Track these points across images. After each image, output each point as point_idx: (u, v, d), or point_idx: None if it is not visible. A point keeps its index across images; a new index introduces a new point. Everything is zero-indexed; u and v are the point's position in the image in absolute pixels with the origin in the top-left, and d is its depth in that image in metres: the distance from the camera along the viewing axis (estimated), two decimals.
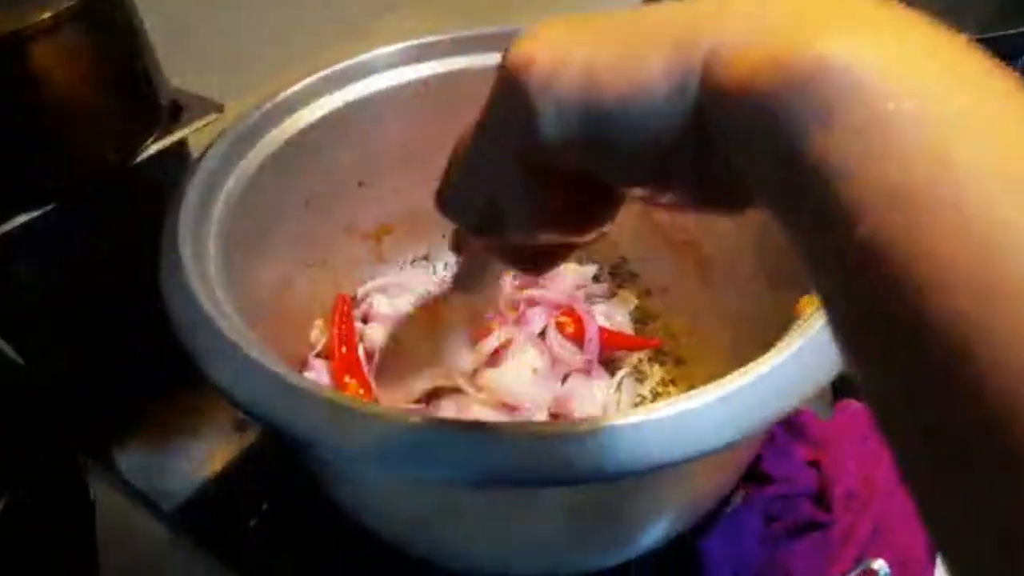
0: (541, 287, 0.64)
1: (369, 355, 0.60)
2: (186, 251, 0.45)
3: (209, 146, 0.52)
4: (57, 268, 0.56)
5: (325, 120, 0.58)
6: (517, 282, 0.65)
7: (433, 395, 0.56)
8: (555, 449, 0.35)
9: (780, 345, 0.40)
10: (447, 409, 0.56)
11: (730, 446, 0.37)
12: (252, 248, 0.52)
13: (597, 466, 0.35)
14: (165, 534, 0.53)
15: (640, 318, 0.65)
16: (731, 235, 0.59)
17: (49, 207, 0.51)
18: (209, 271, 0.45)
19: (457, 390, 0.57)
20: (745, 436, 0.37)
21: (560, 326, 0.61)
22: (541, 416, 0.56)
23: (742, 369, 0.38)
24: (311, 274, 0.61)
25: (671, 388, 0.61)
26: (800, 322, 0.43)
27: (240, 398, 0.39)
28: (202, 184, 0.49)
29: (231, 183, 0.51)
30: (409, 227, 0.66)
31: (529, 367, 0.57)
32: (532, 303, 0.63)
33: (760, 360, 0.39)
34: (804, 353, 0.39)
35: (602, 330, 0.61)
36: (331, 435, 0.37)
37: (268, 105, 0.55)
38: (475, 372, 0.58)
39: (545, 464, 0.35)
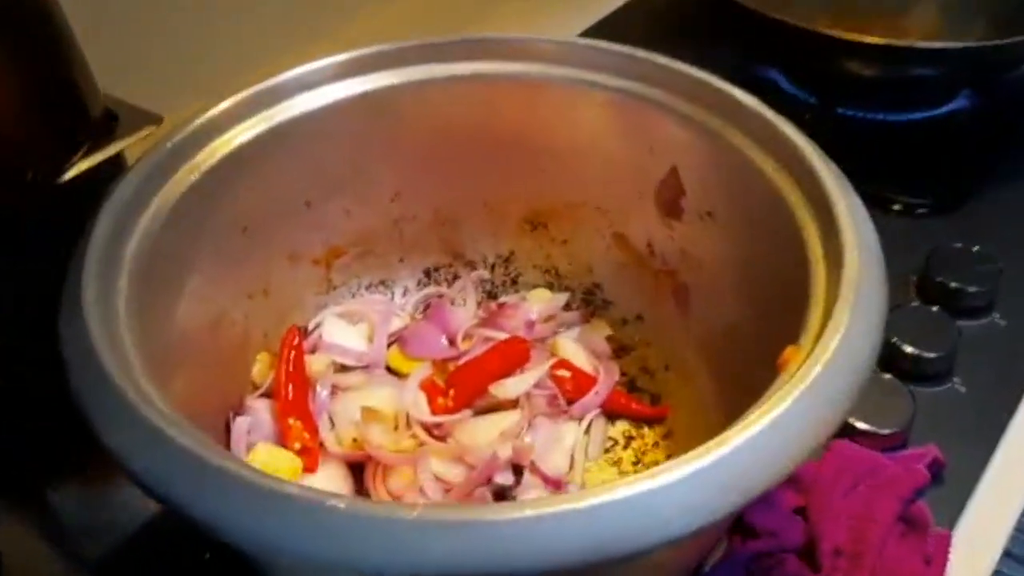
0: (501, 320, 0.59)
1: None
2: (90, 294, 0.40)
3: (127, 170, 0.47)
4: None
5: (265, 136, 0.52)
6: (479, 316, 0.60)
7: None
8: (486, 540, 0.30)
9: (756, 413, 0.34)
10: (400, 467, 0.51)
11: (696, 533, 0.32)
12: (176, 283, 0.47)
13: (537, 559, 0.30)
14: None
15: (614, 348, 0.60)
16: (711, 265, 0.54)
17: None
18: (118, 314, 0.40)
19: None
20: (713, 522, 0.32)
21: (559, 381, 0.56)
22: (501, 465, 0.51)
23: (715, 440, 0.33)
24: (251, 306, 0.55)
25: (644, 431, 0.56)
26: (784, 378, 0.37)
27: (134, 469, 0.34)
28: (115, 214, 0.44)
29: (151, 212, 0.46)
30: (362, 250, 0.61)
31: (501, 428, 0.52)
32: (487, 340, 0.58)
33: (733, 431, 0.34)
34: (786, 423, 0.34)
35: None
36: (235, 520, 0.32)
37: (198, 121, 0.50)
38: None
39: (474, 556, 0.30)
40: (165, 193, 0.47)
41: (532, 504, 0.31)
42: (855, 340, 0.38)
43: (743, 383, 0.51)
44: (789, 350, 0.40)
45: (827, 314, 0.39)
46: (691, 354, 0.57)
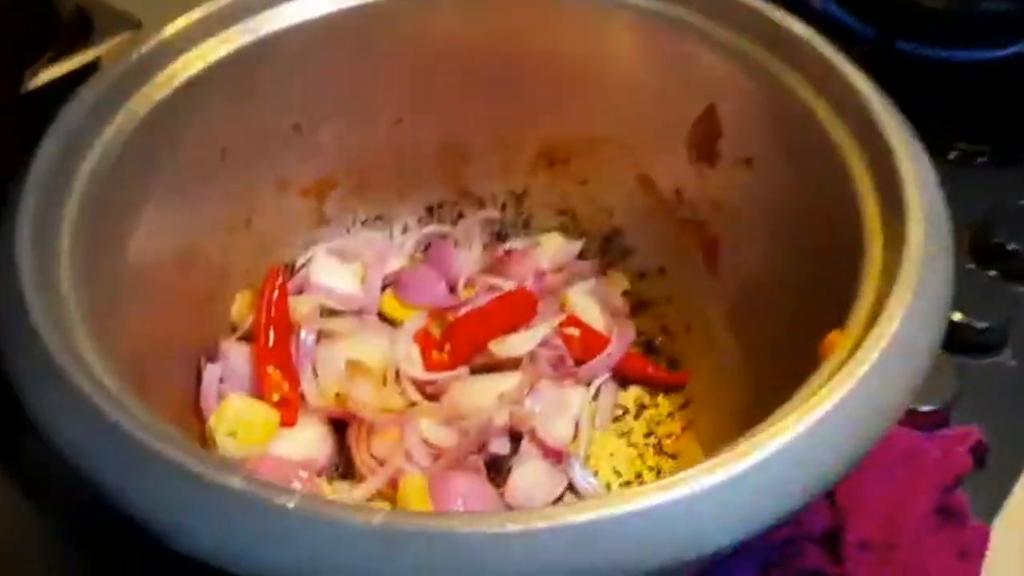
0: (508, 268, 0.53)
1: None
2: (26, 224, 0.35)
3: (85, 83, 0.41)
4: None
5: (248, 49, 0.46)
6: (483, 261, 0.55)
7: None
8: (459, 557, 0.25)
9: (799, 411, 0.29)
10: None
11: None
12: (139, 212, 0.42)
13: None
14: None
15: (631, 304, 0.55)
16: (746, 218, 0.48)
17: None
18: (60, 248, 0.35)
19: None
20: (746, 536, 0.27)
21: (568, 340, 0.50)
22: (498, 431, 0.46)
23: (743, 446, 0.28)
24: (231, 239, 0.50)
25: (660, 399, 0.51)
26: (826, 368, 0.32)
27: (56, 440, 0.29)
28: (68, 131, 0.39)
29: (112, 129, 0.40)
30: (357, 181, 0.55)
31: (500, 391, 0.47)
32: (491, 289, 0.52)
33: (770, 430, 0.28)
34: (832, 422, 0.29)
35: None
36: (164, 512, 0.27)
37: (171, 29, 0.44)
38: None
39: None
40: (130, 109, 0.42)
41: (517, 517, 0.26)
42: (917, 326, 0.32)
43: (774, 354, 0.46)
44: (833, 335, 0.34)
45: (883, 291, 0.34)
46: (717, 316, 0.51)
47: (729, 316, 0.51)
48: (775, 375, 0.43)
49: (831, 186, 0.40)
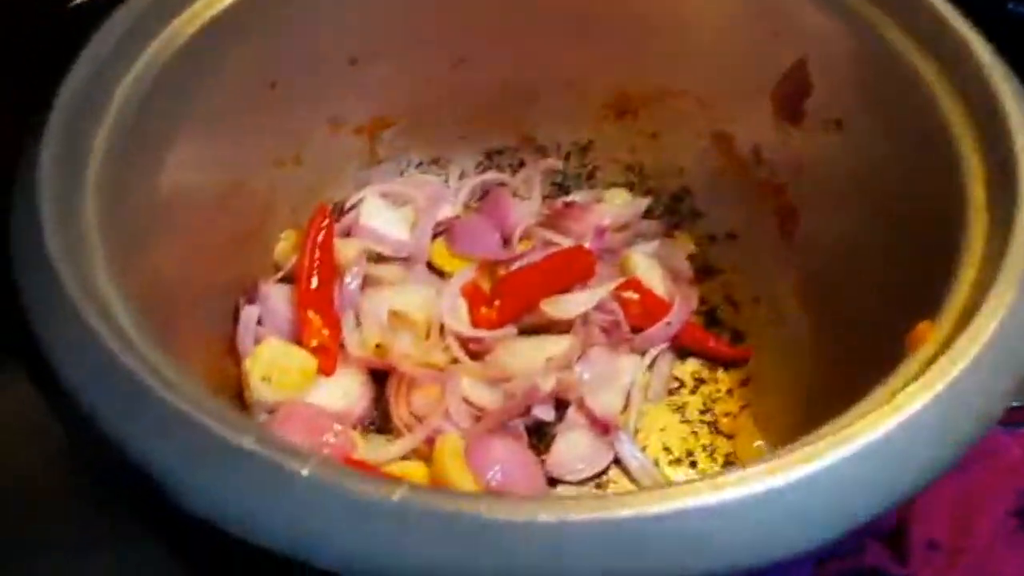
0: (568, 222, 0.50)
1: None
2: (51, 153, 0.32)
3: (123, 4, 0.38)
4: None
5: None
6: (542, 213, 0.51)
7: None
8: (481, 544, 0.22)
9: (881, 409, 0.26)
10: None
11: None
12: (177, 142, 0.39)
13: None
14: None
15: (696, 270, 0.51)
16: (831, 185, 0.44)
17: None
18: (86, 178, 0.33)
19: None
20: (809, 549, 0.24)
21: (625, 304, 0.47)
22: (543, 397, 0.43)
23: (814, 444, 0.25)
24: (278, 175, 0.48)
25: (719, 374, 0.47)
26: (913, 361, 0.28)
27: (65, 383, 0.27)
28: (104, 51, 0.36)
29: (151, 52, 0.38)
30: (414, 121, 0.52)
31: (548, 354, 0.44)
32: (547, 244, 0.49)
33: (848, 428, 0.25)
34: (921, 425, 0.25)
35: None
36: (171, 470, 0.25)
37: None
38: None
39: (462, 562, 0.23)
40: (169, 33, 0.39)
41: (550, 507, 0.23)
42: (1020, 323, 0.28)
43: (848, 336, 0.42)
44: (924, 326, 0.30)
45: (983, 280, 0.30)
46: (788, 289, 0.48)
47: (801, 290, 0.47)
48: (848, 360, 0.40)
49: (932, 157, 0.36)
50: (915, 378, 0.27)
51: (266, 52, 0.43)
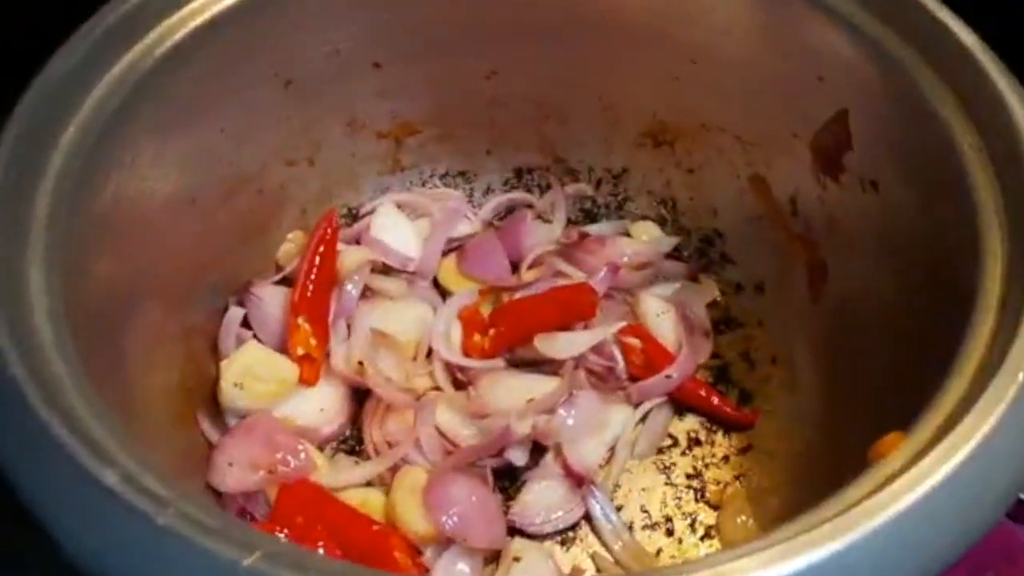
0: (582, 254, 0.47)
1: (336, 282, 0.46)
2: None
3: None
4: None
5: None
6: (559, 241, 0.49)
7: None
8: None
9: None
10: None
11: None
12: (180, 134, 0.38)
13: None
14: None
15: (715, 321, 0.47)
16: (863, 246, 0.40)
17: None
18: (51, 167, 0.32)
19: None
20: None
21: (627, 350, 0.44)
22: (519, 440, 0.41)
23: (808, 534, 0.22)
24: (290, 174, 0.47)
25: (717, 437, 0.44)
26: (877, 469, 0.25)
27: None
28: (103, 34, 0.36)
29: (147, 43, 0.37)
30: (441, 130, 0.50)
31: (534, 393, 0.42)
32: (557, 275, 0.47)
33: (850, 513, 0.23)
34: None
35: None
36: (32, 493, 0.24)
37: None
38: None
39: None
40: (178, 20, 0.38)
41: None
42: None
43: (863, 411, 0.38)
44: (892, 437, 0.27)
45: (993, 359, 0.27)
46: (807, 351, 0.44)
47: (819, 354, 0.43)
48: (858, 429, 0.36)
49: (959, 228, 0.32)
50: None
51: (281, 50, 0.42)
